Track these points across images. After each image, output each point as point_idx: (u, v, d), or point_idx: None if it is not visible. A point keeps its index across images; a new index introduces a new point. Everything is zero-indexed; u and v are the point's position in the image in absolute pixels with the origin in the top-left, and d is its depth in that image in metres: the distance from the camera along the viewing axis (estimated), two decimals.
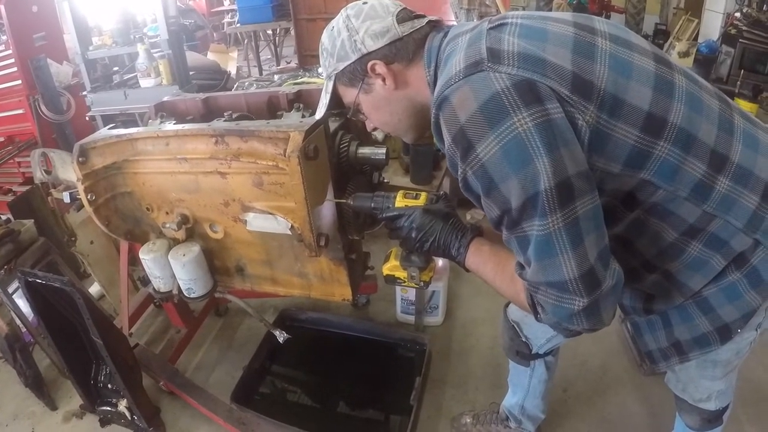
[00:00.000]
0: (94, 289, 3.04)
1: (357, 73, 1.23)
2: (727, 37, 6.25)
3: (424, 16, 1.25)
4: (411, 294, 2.77)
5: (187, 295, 1.85)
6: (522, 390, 1.97)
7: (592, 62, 1.01)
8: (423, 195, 1.37)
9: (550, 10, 8.83)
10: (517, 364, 1.86)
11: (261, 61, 7.66)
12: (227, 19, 9.00)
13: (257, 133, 1.45)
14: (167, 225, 1.77)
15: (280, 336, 1.90)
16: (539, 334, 1.69)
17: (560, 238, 0.96)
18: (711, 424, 1.59)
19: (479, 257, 1.25)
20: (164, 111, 1.93)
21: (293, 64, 6.65)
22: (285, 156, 1.39)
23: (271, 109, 1.83)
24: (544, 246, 0.98)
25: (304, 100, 1.78)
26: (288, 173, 1.41)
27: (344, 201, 1.47)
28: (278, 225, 1.58)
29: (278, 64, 7.59)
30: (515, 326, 1.73)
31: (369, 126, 1.37)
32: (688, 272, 1.15)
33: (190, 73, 3.99)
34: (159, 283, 1.88)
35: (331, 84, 1.29)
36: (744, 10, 6.26)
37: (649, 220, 1.10)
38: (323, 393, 2.50)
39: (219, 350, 2.79)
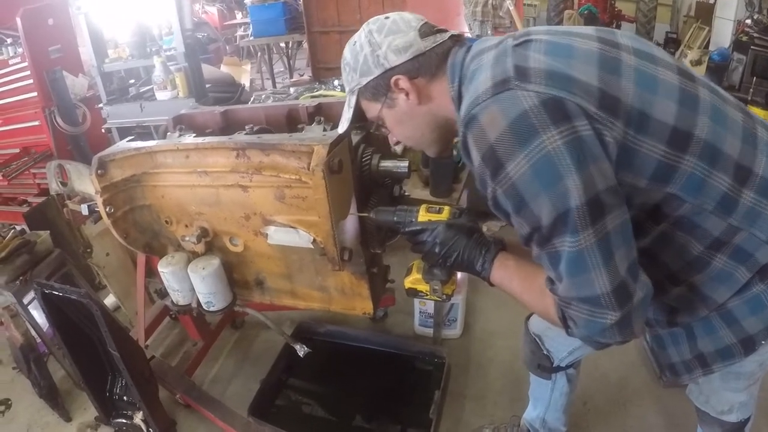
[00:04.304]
0: (109, 300, 3.04)
1: (380, 87, 1.23)
2: (738, 45, 6.19)
3: (446, 31, 1.25)
4: (429, 307, 2.75)
5: (206, 309, 1.84)
6: (543, 403, 1.96)
7: (618, 78, 1.01)
8: (446, 209, 1.36)
9: (561, 20, 8.83)
10: (538, 377, 1.85)
11: (274, 73, 7.69)
12: (240, 32, 9.06)
13: (280, 147, 1.44)
14: (186, 238, 1.76)
15: (301, 350, 1.89)
16: (561, 347, 1.69)
17: (592, 253, 0.97)
18: None
19: (505, 272, 1.25)
20: (182, 124, 1.93)
21: (306, 77, 6.66)
22: (309, 170, 1.38)
23: (291, 122, 1.83)
24: (576, 262, 0.99)
25: (324, 113, 1.77)
26: (311, 187, 1.40)
27: (367, 215, 1.45)
28: (300, 239, 1.57)
29: (291, 76, 7.63)
30: (537, 339, 1.72)
31: (392, 140, 1.37)
32: (712, 285, 1.15)
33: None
34: (177, 296, 1.87)
35: (353, 98, 1.29)
36: (755, 17, 6.22)
37: (675, 233, 1.11)
38: (341, 406, 2.47)
39: (235, 363, 2.77)
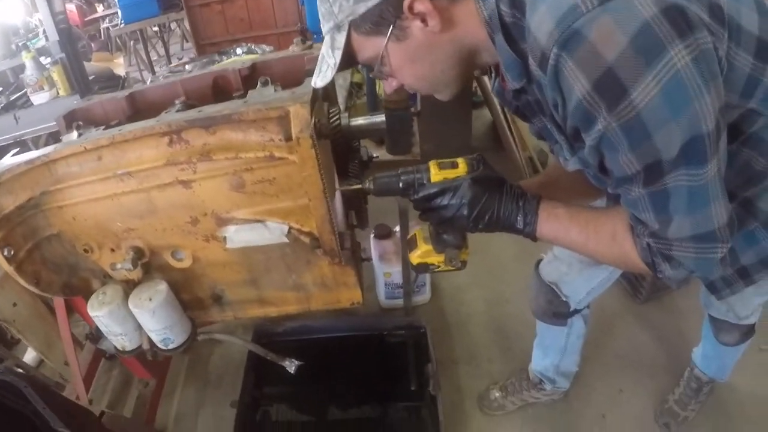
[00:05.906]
0: (29, 356, 2.57)
1: (386, 15, 0.93)
2: None
3: None
4: (396, 277, 2.58)
5: (163, 347, 1.45)
6: (556, 350, 1.96)
7: None
8: (461, 161, 1.11)
9: None
10: (553, 325, 1.83)
11: (152, 61, 6.98)
12: (105, 24, 8.16)
13: (236, 117, 1.07)
14: (118, 266, 1.37)
15: (291, 365, 1.57)
16: (579, 289, 1.66)
17: (714, 184, 0.88)
18: (747, 336, 1.74)
19: (557, 223, 1.09)
20: (78, 120, 1.52)
21: (186, 59, 6.08)
22: (289, 139, 1.05)
23: (220, 92, 1.45)
24: (698, 196, 0.88)
25: (262, 74, 1.40)
26: (288, 163, 1.07)
27: (362, 186, 1.15)
28: (270, 234, 1.23)
29: (170, 62, 6.96)
30: (553, 287, 1.67)
31: (390, 86, 1.06)
32: (765, 195, 1.07)
33: None
34: (123, 340, 1.46)
35: (343, 36, 0.97)
36: None
37: (741, 151, 1.02)
38: (331, 404, 2.24)
39: (196, 391, 2.43)
